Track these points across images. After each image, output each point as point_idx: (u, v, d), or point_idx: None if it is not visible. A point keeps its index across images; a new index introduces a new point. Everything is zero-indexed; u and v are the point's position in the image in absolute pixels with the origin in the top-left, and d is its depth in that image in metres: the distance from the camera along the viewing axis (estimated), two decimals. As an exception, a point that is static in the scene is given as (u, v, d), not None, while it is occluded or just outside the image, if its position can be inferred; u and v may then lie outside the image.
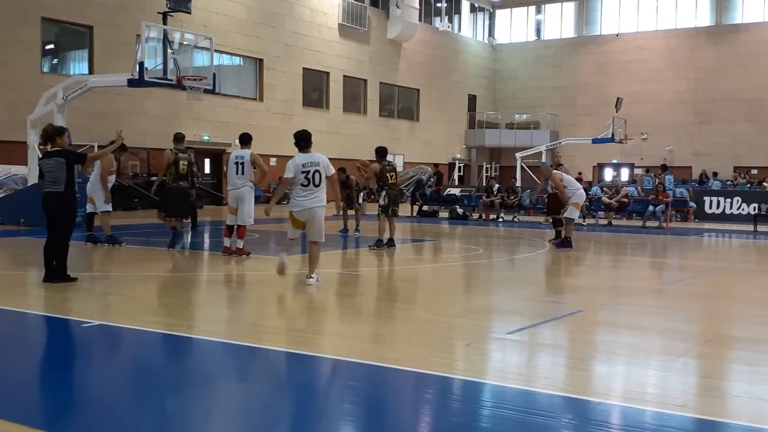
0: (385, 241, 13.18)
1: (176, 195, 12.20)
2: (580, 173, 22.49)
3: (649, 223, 20.45)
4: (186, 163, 12.17)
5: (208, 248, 14.41)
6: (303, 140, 8.89)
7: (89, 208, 12.99)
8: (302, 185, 8.68)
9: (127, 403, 4.65)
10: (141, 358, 5.92)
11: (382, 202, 13.21)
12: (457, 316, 7.60)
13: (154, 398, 4.73)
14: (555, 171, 14.76)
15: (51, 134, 8.79)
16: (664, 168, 24.78)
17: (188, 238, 13.45)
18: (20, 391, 4.84)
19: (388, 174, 13.37)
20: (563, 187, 14.10)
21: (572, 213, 14.24)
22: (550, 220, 16.51)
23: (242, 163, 11.47)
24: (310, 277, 8.84)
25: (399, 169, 36.22)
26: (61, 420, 4.34)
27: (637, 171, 36.89)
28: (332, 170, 8.96)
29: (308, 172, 8.67)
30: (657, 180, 23.34)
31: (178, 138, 12.43)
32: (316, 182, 8.71)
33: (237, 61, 30.97)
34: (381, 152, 13.49)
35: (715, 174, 35.95)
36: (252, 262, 11.23)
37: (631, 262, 13.71)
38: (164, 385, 5.04)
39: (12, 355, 5.83)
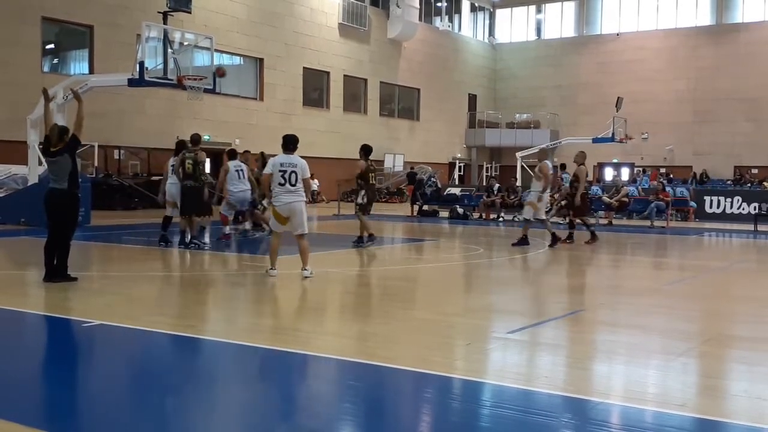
0: (366, 238, 13.20)
1: (186, 195, 12.47)
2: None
3: (646, 222, 20.47)
4: (191, 162, 12.38)
5: (208, 248, 14.42)
6: (290, 143, 9.48)
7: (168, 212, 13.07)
8: (279, 184, 9.32)
9: (127, 402, 4.65)
10: (141, 358, 5.93)
11: (360, 201, 13.23)
12: (458, 315, 7.60)
13: (154, 398, 4.73)
14: (546, 161, 14.48)
15: (59, 133, 8.80)
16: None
17: (204, 237, 13.39)
18: (20, 391, 4.84)
19: (370, 174, 13.45)
20: (547, 179, 13.95)
21: (527, 212, 14.22)
22: (567, 220, 16.43)
23: (241, 170, 12.32)
24: (305, 269, 9.41)
25: (399, 169, 36.39)
26: (61, 420, 4.33)
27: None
28: (308, 174, 9.51)
29: (285, 171, 9.27)
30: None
31: (192, 140, 12.74)
32: (292, 182, 9.30)
33: (237, 60, 30.94)
34: (367, 150, 13.42)
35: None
36: (251, 262, 11.23)
37: (631, 261, 13.70)
38: (164, 385, 5.04)
39: (12, 355, 5.83)
